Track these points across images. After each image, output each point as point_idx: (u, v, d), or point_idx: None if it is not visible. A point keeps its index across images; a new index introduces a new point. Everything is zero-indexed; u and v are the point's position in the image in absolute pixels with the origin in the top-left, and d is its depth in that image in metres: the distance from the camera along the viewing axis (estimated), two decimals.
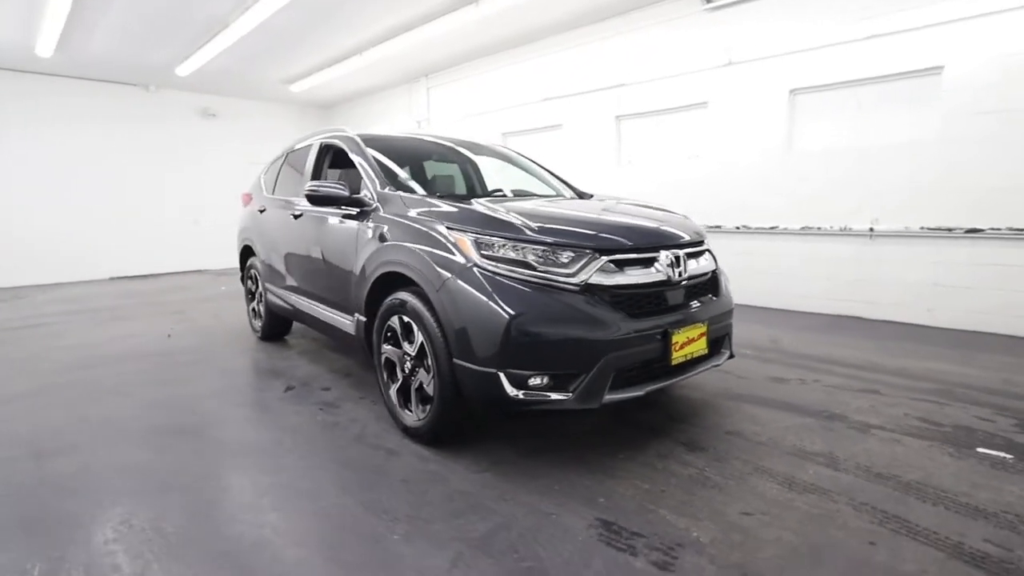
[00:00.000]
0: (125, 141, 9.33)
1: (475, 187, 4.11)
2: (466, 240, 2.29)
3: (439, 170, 3.93)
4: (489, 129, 8.22)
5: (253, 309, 4.87)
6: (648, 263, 2.38)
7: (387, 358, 2.71)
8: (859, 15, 4.81)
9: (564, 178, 4.12)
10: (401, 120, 9.90)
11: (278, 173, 4.48)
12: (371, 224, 2.83)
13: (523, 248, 2.23)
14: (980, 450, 2.44)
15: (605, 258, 2.25)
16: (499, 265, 2.20)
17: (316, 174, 3.75)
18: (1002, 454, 2.40)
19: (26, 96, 8.39)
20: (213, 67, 8.02)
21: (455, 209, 2.51)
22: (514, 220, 2.33)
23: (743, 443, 2.55)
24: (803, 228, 5.39)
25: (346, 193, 2.94)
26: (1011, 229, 4.27)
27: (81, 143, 8.90)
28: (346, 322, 3.13)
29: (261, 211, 4.42)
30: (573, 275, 2.20)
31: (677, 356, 2.35)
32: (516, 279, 2.18)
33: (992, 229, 4.35)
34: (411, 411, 2.59)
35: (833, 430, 2.68)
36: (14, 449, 2.63)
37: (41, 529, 1.96)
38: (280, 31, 6.64)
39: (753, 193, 5.69)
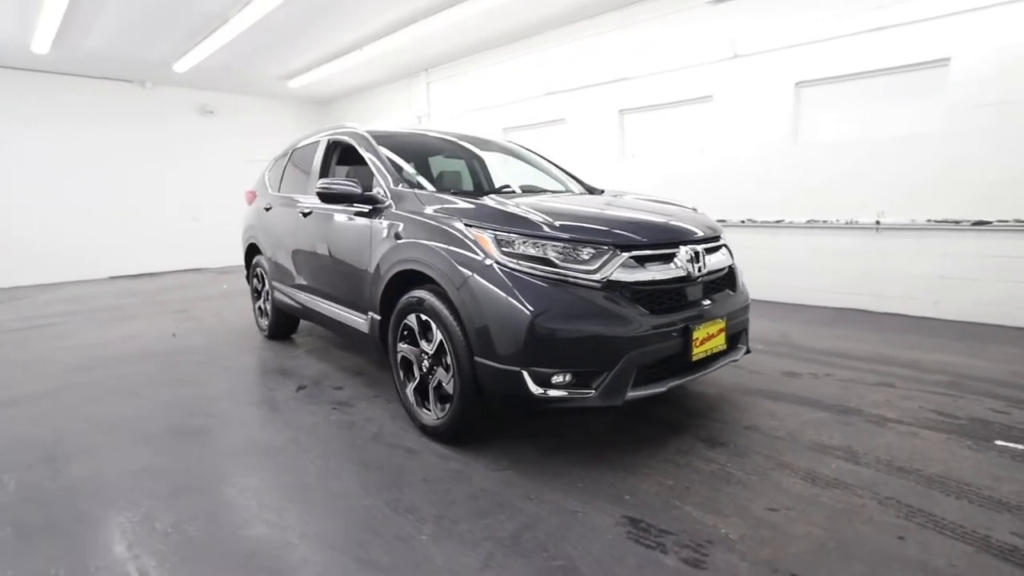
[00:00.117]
0: (122, 139, 9.24)
1: (482, 183, 4.09)
2: (486, 237, 2.27)
3: (447, 166, 3.91)
4: (490, 124, 8.17)
5: (259, 308, 4.84)
6: (668, 259, 2.37)
7: (403, 357, 2.70)
8: (865, 6, 4.79)
9: (573, 173, 4.09)
10: (401, 116, 9.84)
11: (283, 170, 4.44)
12: (385, 222, 2.81)
13: (543, 245, 2.21)
14: (998, 443, 2.45)
15: (626, 254, 2.24)
16: (520, 262, 2.19)
17: (324, 171, 3.71)
18: (1021, 446, 2.41)
19: (21, 94, 8.29)
20: (211, 63, 7.94)
21: (473, 206, 2.49)
22: (533, 216, 2.31)
23: (762, 438, 2.56)
24: (809, 221, 5.39)
25: (359, 191, 2.91)
26: (1018, 221, 4.27)
27: (78, 141, 8.81)
28: (359, 320, 3.11)
29: (267, 209, 4.39)
30: (594, 272, 2.19)
31: (697, 352, 2.35)
32: (537, 276, 2.16)
33: (999, 221, 4.36)
34: (429, 410, 2.57)
35: (850, 424, 2.69)
36: (27, 452, 2.60)
37: (61, 533, 1.94)
38: (280, 26, 6.57)
39: (758, 187, 5.68)
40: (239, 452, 2.59)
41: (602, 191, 3.69)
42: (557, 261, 2.19)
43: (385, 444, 2.59)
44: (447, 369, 2.40)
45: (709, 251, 2.57)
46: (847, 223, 5.14)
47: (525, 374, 2.09)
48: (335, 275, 3.36)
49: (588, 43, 6.89)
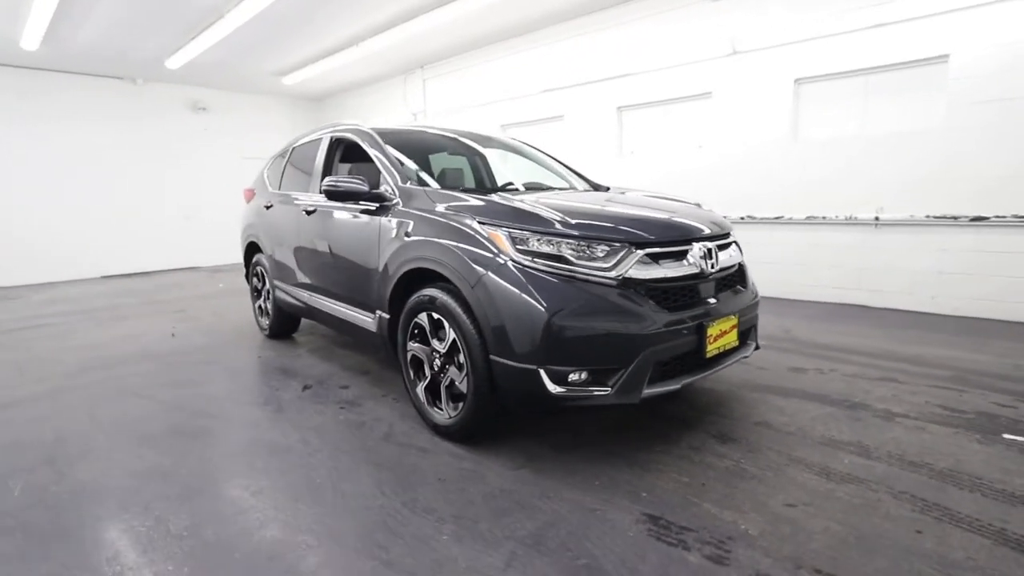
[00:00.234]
0: (114, 136, 9.10)
1: (484, 180, 4.07)
2: (500, 235, 2.25)
3: (449, 163, 3.88)
4: (488, 121, 8.14)
5: (259, 307, 4.79)
6: (681, 256, 2.36)
7: (414, 356, 2.68)
8: (865, 3, 4.82)
9: (577, 170, 4.08)
10: (396, 112, 9.77)
11: (284, 168, 4.39)
12: (394, 219, 2.78)
13: (558, 242, 2.20)
14: (1006, 436, 2.48)
15: (641, 252, 2.24)
16: (535, 260, 2.18)
17: (327, 169, 3.67)
18: None
19: (9, 91, 8.14)
20: (205, 59, 7.84)
21: (485, 203, 2.47)
22: (547, 214, 2.30)
23: (773, 433, 2.57)
24: (808, 217, 5.42)
25: (366, 188, 2.88)
26: (1016, 216, 4.32)
27: (68, 139, 8.67)
28: (367, 319, 3.08)
29: (267, 207, 4.34)
30: (610, 269, 2.18)
31: (711, 349, 2.35)
32: (553, 274, 2.15)
33: (997, 217, 4.41)
34: (441, 409, 2.56)
35: (859, 419, 2.71)
36: (29, 455, 2.56)
37: (73, 537, 1.91)
38: (276, 21, 6.50)
39: (757, 183, 5.70)
40: (248, 453, 2.56)
41: (607, 188, 3.68)
42: (572, 259, 2.18)
43: (396, 444, 2.57)
44: (460, 368, 2.38)
45: (721, 248, 2.58)
46: (846, 219, 5.17)
47: (542, 372, 2.08)
48: (341, 273, 3.33)
49: (586, 39, 6.88)
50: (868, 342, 4.01)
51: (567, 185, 3.76)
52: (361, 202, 3.01)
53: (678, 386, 2.26)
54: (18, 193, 8.27)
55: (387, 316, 2.85)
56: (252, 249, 4.76)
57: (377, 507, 2.03)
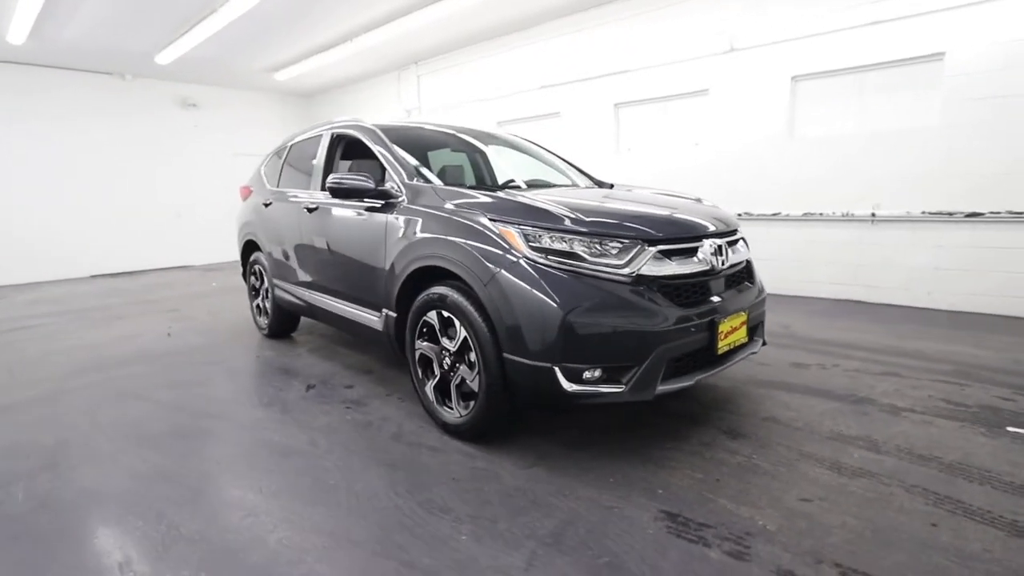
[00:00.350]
0: (102, 133, 8.94)
1: (484, 177, 4.04)
2: (513, 232, 2.24)
3: (450, 160, 3.85)
4: (483, 118, 8.11)
5: (257, 306, 4.73)
6: (692, 253, 2.37)
7: (422, 354, 2.66)
8: (861, 0, 4.85)
9: (579, 167, 4.07)
10: (390, 109, 9.70)
11: (282, 165, 4.33)
12: (401, 217, 2.76)
13: (571, 240, 2.19)
14: (1010, 429, 2.52)
15: (653, 248, 2.23)
16: (549, 257, 2.17)
17: (329, 165, 3.63)
18: None
19: None
20: (196, 55, 7.71)
21: (496, 200, 2.45)
22: (558, 211, 2.29)
23: (782, 429, 2.58)
24: (805, 214, 5.46)
25: (372, 185, 2.85)
26: (1010, 212, 4.38)
27: (54, 135, 8.49)
28: (372, 318, 3.05)
29: (266, 204, 4.28)
30: (623, 266, 2.17)
31: (723, 345, 2.35)
32: (567, 271, 2.14)
33: (992, 213, 4.46)
34: (451, 408, 2.54)
35: (865, 414, 2.73)
36: (30, 459, 2.51)
37: (84, 543, 1.87)
38: (270, 16, 6.40)
39: (754, 180, 5.73)
40: (255, 455, 2.52)
41: (611, 185, 3.68)
42: (585, 256, 2.17)
43: (406, 443, 2.55)
44: (471, 366, 2.37)
45: (730, 244, 2.59)
46: (843, 215, 5.22)
47: (557, 370, 2.08)
48: (344, 271, 3.30)
49: (583, 36, 6.86)
50: (868, 337, 4.05)
51: (569, 182, 3.75)
52: (366, 199, 2.98)
53: (691, 382, 2.27)
54: (1, 190, 8.09)
55: (394, 315, 2.82)
56: (250, 247, 4.70)
57: (393, 508, 2.01)
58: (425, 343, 2.63)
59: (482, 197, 2.51)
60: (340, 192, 2.92)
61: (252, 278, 4.74)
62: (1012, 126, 4.31)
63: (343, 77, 9.86)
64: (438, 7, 6.19)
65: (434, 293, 2.49)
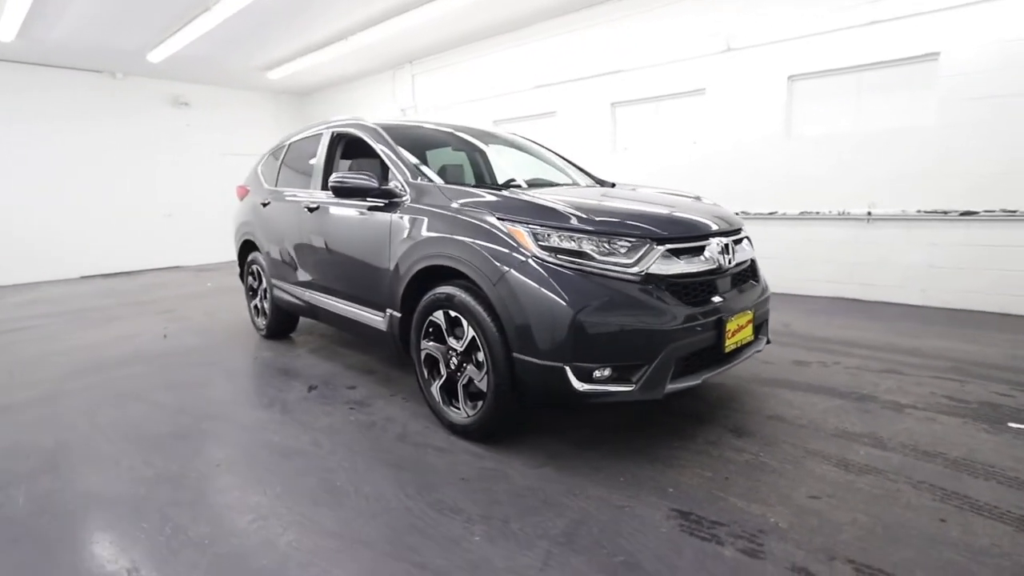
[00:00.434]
0: (92, 132, 8.82)
1: (484, 176, 4.02)
2: (522, 231, 2.23)
3: (450, 159, 3.83)
4: (479, 117, 8.09)
5: (255, 306, 4.69)
6: (699, 251, 2.37)
7: (428, 354, 2.64)
8: (857, 0, 4.88)
9: (580, 166, 4.07)
10: (385, 108, 9.65)
11: (280, 164, 4.30)
12: (405, 216, 2.74)
13: (580, 239, 2.19)
14: (1011, 425, 2.54)
15: (662, 247, 2.23)
16: (558, 257, 2.16)
17: (329, 165, 3.61)
18: None
19: None
20: (189, 53, 7.63)
21: (503, 199, 2.44)
22: (566, 210, 2.28)
23: (787, 427, 2.60)
24: (801, 213, 5.50)
25: (375, 184, 2.83)
26: (1004, 211, 4.44)
27: (43, 134, 8.37)
28: (376, 318, 3.03)
29: (264, 204, 4.24)
30: (632, 265, 2.17)
31: (730, 343, 2.36)
32: (576, 270, 2.14)
33: (986, 211, 4.51)
34: (458, 408, 2.53)
35: (868, 411, 2.75)
36: (30, 461, 2.47)
37: (88, 546, 1.84)
38: (264, 14, 6.34)
39: (751, 179, 5.76)
40: (259, 456, 2.50)
41: (613, 184, 3.68)
42: (594, 255, 2.17)
43: (412, 444, 2.54)
44: (479, 366, 2.36)
45: (736, 243, 2.59)
46: (839, 214, 5.26)
47: (567, 370, 2.07)
48: (347, 271, 3.27)
49: (579, 35, 6.87)
50: (867, 335, 4.08)
51: (570, 181, 3.75)
52: (369, 199, 2.96)
53: (699, 381, 2.27)
54: None
55: (398, 315, 2.80)
56: (247, 248, 4.66)
57: (402, 509, 2.00)
58: (431, 343, 2.61)
59: (489, 196, 2.50)
60: (343, 191, 2.90)
61: (250, 278, 4.70)
62: (1008, 126, 4.36)
63: (337, 76, 9.80)
64: (432, 7, 6.17)
65: (441, 293, 2.48)
